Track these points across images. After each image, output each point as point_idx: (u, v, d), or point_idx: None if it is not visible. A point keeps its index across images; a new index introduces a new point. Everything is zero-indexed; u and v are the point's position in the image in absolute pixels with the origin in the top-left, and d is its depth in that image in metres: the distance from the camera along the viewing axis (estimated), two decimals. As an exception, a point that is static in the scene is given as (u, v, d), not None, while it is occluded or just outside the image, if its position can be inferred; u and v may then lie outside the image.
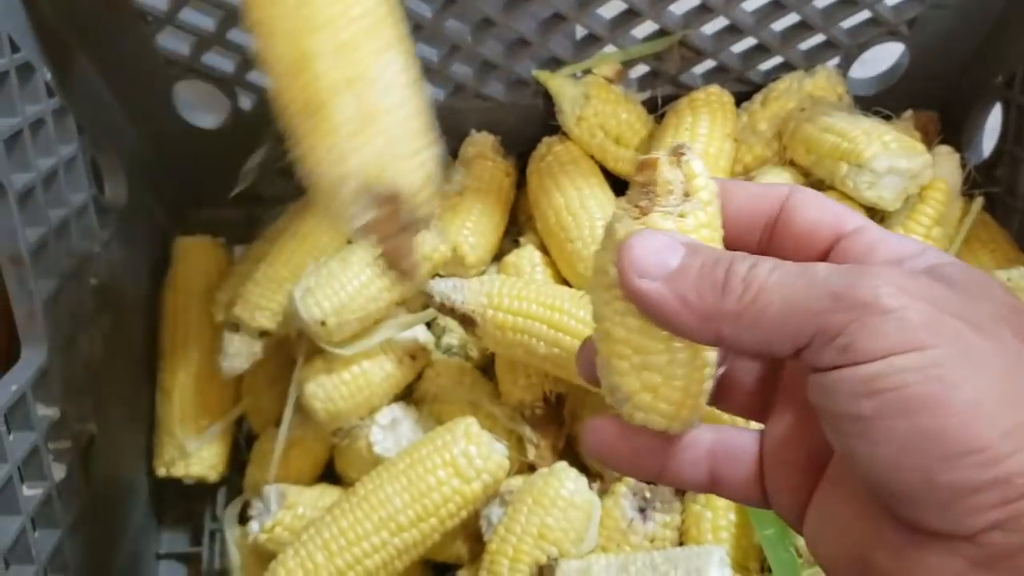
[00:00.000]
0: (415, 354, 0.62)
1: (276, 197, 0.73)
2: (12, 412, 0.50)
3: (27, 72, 0.53)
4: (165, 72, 0.61)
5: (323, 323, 0.57)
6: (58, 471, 0.54)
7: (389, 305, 0.60)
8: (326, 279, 0.58)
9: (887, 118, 0.62)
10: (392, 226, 0.39)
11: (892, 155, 0.55)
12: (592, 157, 0.65)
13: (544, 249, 0.64)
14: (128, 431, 0.64)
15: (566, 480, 0.53)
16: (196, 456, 0.65)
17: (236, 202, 0.76)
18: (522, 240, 0.65)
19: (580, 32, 0.62)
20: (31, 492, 0.51)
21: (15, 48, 0.51)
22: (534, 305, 0.56)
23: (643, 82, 0.66)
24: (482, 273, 0.65)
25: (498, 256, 0.67)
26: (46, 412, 0.53)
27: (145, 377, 0.67)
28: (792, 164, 0.61)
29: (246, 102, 0.65)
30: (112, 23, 0.56)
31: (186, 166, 0.71)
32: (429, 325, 0.64)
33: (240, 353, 0.60)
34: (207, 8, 0.57)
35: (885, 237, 0.28)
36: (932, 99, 0.67)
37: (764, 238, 0.30)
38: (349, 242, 0.62)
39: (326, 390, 0.59)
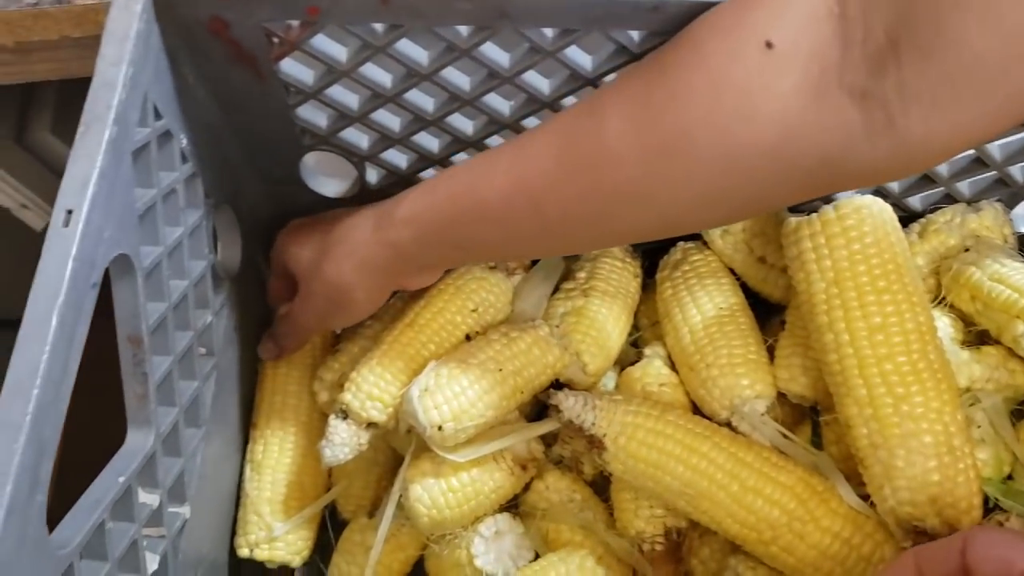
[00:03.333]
0: (526, 464, 0.58)
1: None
2: (115, 504, 0.47)
3: (166, 140, 0.51)
4: (300, 142, 0.58)
5: (440, 428, 0.53)
6: (151, 562, 0.51)
7: (508, 412, 0.56)
8: (446, 380, 0.54)
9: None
10: None
11: (1076, 321, 0.51)
12: (733, 272, 0.61)
13: (671, 363, 0.61)
14: (216, 509, 0.61)
15: (689, 635, 0.50)
16: (282, 540, 0.62)
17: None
18: (647, 351, 0.62)
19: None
20: (124, 588, 0.48)
21: (158, 116, 0.49)
22: (671, 443, 0.52)
23: (793, 198, 0.62)
24: (599, 380, 0.61)
25: (616, 361, 0.63)
26: (147, 500, 0.51)
27: (236, 446, 0.65)
28: (952, 308, 0.57)
29: (373, 175, 0.62)
30: (255, 92, 0.54)
31: (298, 229, 0.68)
32: (540, 432, 0.60)
33: (346, 444, 0.56)
34: (353, 86, 0.54)
35: None
36: (1097, 244, 0.63)
37: None
38: (468, 337, 0.59)
39: (432, 496, 0.56)
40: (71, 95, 0.83)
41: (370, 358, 0.58)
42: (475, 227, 0.49)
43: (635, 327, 0.65)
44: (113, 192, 0.44)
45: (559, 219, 0.46)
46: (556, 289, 0.64)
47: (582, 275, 0.64)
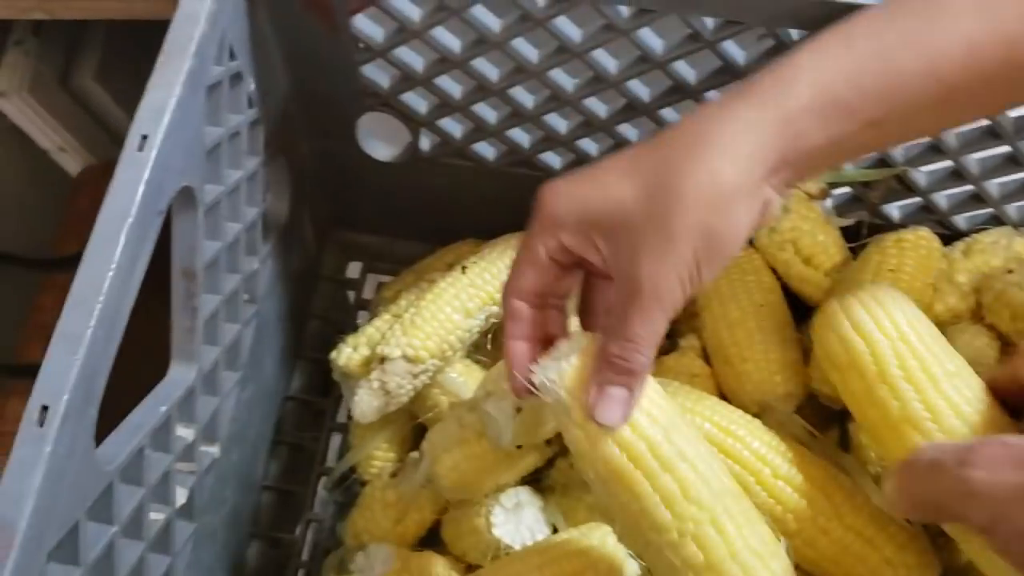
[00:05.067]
0: (551, 439, 0.59)
1: (421, 232, 0.72)
2: (154, 433, 0.48)
3: (237, 81, 0.51)
4: (359, 101, 0.59)
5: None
6: (180, 496, 0.52)
7: None
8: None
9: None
10: None
11: (1115, 348, 0.51)
12: (774, 271, 0.62)
13: (705, 356, 0.61)
14: (243, 454, 0.62)
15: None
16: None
17: (378, 230, 0.75)
18: (682, 343, 0.62)
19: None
20: (155, 517, 0.49)
21: (232, 56, 0.50)
22: (708, 424, 0.52)
23: (838, 204, 0.62)
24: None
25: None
26: (183, 434, 0.51)
27: (268, 395, 0.65)
28: (991, 327, 0.57)
29: (425, 142, 0.63)
30: (324, 45, 0.54)
31: (346, 189, 0.69)
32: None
33: (402, 386, 0.58)
34: (420, 48, 0.55)
35: None
36: None
37: None
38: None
39: (455, 461, 0.57)
40: (118, 43, 0.85)
41: (423, 303, 0.59)
42: (918, 91, 0.37)
43: (676, 319, 0.65)
44: (185, 124, 0.45)
45: None
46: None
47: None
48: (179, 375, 0.50)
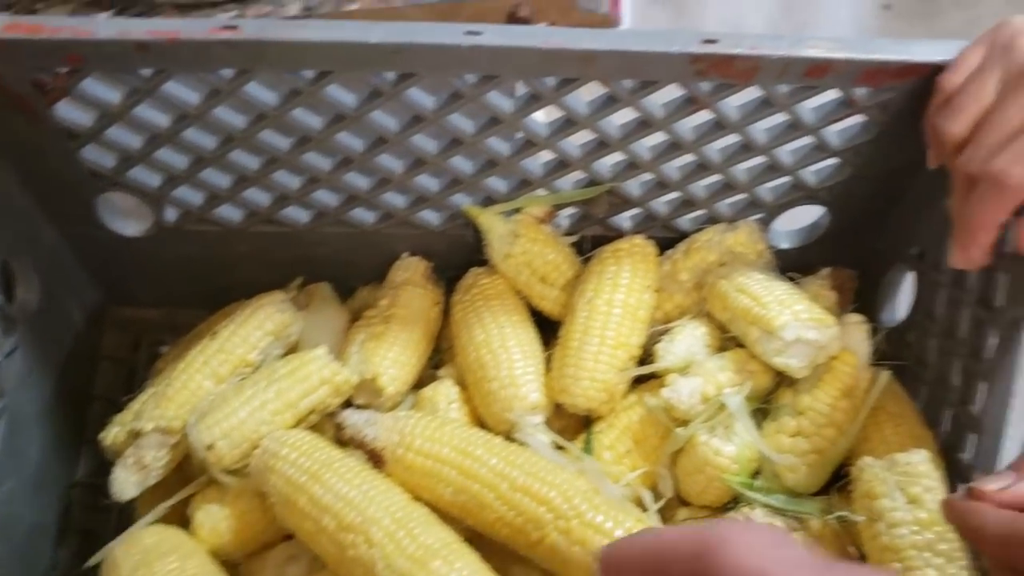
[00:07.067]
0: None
1: (197, 300, 0.73)
2: None
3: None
4: (89, 184, 0.60)
5: (209, 447, 0.56)
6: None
7: (285, 427, 0.59)
8: (218, 404, 0.57)
9: (798, 274, 0.64)
10: None
11: (801, 326, 0.56)
12: (519, 293, 0.65)
13: (463, 383, 0.64)
14: (9, 547, 0.61)
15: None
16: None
17: (155, 303, 0.76)
18: (440, 373, 0.65)
19: (513, 175, 0.62)
20: None
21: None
22: (446, 448, 0.55)
23: (573, 223, 0.66)
24: (398, 404, 0.64)
25: (416, 385, 0.66)
26: (-82, 540, 0.51)
27: (37, 487, 0.65)
28: (710, 318, 0.62)
29: (171, 213, 0.64)
30: (35, 136, 0.55)
31: (107, 269, 0.70)
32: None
33: (160, 459, 0.59)
34: (133, 127, 0.56)
35: None
36: (851, 258, 0.68)
37: None
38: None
39: (213, 521, 0.58)
40: None
41: (174, 373, 0.61)
42: None
43: (437, 351, 0.68)
44: None
45: None
46: (359, 317, 0.67)
47: (384, 302, 0.66)
48: (-95, 482, 0.50)
